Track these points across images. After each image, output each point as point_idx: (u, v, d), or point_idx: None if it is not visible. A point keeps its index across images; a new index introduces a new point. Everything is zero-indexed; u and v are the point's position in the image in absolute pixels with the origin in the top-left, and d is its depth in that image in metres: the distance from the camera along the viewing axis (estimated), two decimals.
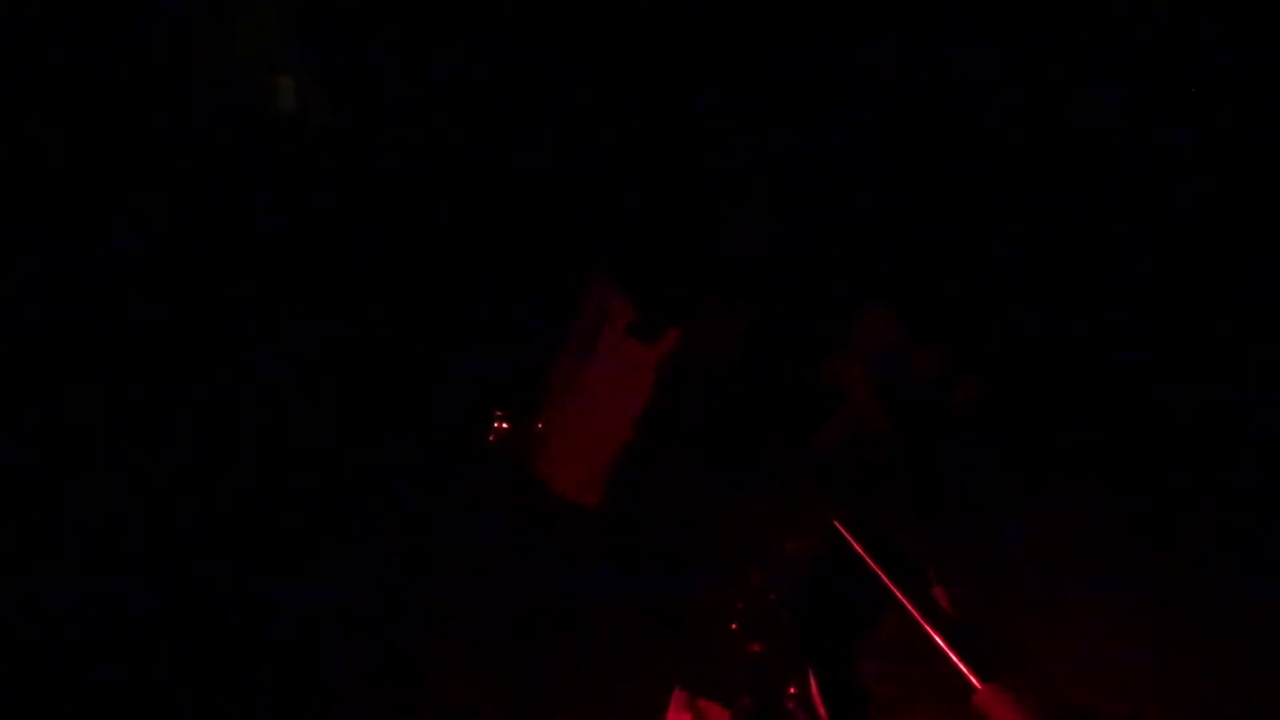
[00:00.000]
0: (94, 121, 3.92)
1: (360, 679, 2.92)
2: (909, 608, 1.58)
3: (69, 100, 3.82)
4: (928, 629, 1.56)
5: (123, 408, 3.54)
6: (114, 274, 3.78)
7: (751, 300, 1.85)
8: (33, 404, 3.42)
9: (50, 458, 3.33)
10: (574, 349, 1.89)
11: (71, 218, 3.86)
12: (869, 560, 1.65)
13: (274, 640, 2.91)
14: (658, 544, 2.04)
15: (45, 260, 3.75)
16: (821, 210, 2.02)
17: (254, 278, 4.00)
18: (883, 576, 1.62)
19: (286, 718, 2.69)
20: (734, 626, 1.83)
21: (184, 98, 4.16)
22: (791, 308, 1.86)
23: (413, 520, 3.31)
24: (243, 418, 3.68)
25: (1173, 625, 2.88)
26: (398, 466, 3.44)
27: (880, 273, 2.05)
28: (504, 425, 1.96)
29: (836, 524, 1.72)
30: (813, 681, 1.89)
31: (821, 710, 1.88)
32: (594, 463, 1.88)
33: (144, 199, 3.96)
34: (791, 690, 1.84)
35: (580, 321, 1.89)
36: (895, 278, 2.09)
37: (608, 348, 1.80)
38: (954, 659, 1.52)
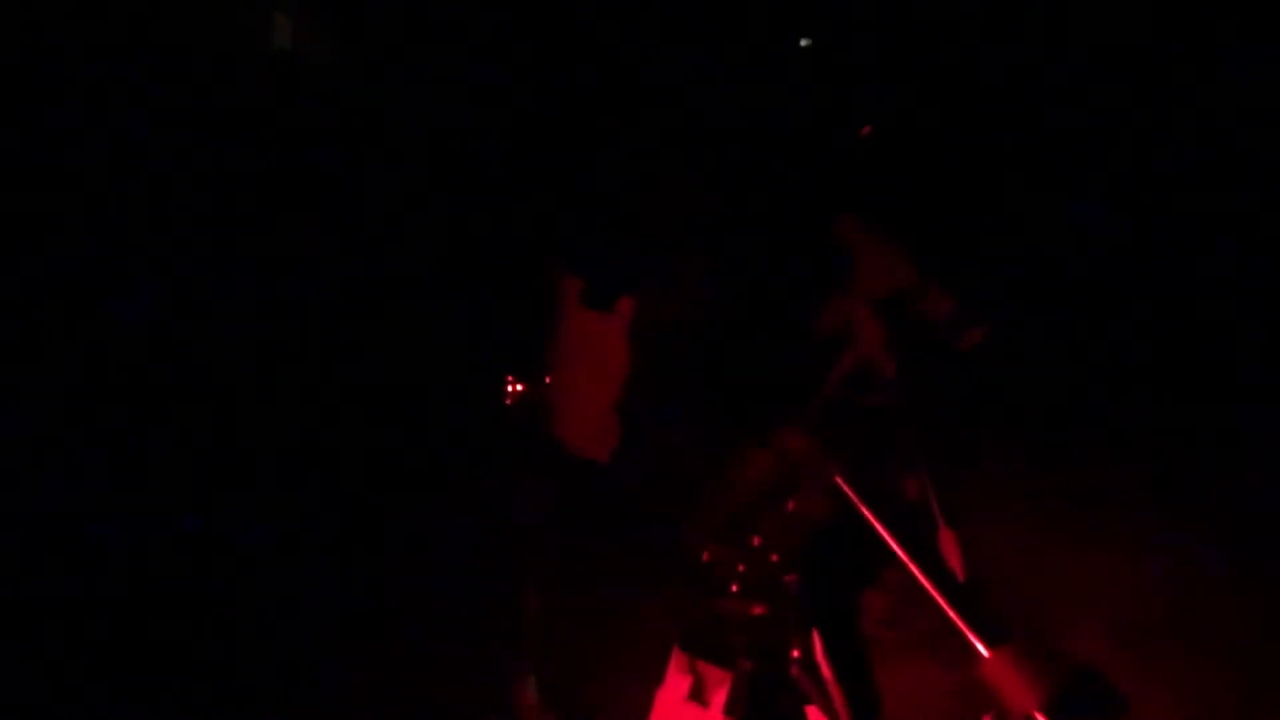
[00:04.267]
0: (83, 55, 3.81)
1: (366, 617, 2.92)
2: (915, 571, 1.52)
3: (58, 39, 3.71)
4: (933, 593, 1.50)
5: (109, 387, 3.48)
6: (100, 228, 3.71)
7: (707, 252, 1.75)
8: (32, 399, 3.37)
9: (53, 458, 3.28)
10: (557, 316, 1.82)
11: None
12: (873, 520, 1.59)
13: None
14: (660, 502, 1.98)
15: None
16: (789, 137, 1.88)
17: (246, 226, 3.91)
18: (888, 538, 1.55)
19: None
20: (734, 589, 1.77)
21: (174, 38, 4.04)
22: (763, 252, 1.75)
23: (423, 482, 3.28)
24: (244, 383, 3.62)
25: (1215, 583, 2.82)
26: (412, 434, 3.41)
27: (882, 205, 1.93)
28: (518, 387, 1.93)
29: (839, 480, 1.65)
30: (817, 642, 1.84)
31: (826, 671, 1.83)
32: (596, 422, 1.82)
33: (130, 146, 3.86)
34: (795, 654, 1.79)
35: (557, 291, 1.81)
36: (899, 208, 1.96)
37: (575, 319, 1.73)
38: (960, 625, 1.46)
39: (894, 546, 1.55)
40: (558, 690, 2.16)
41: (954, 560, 1.59)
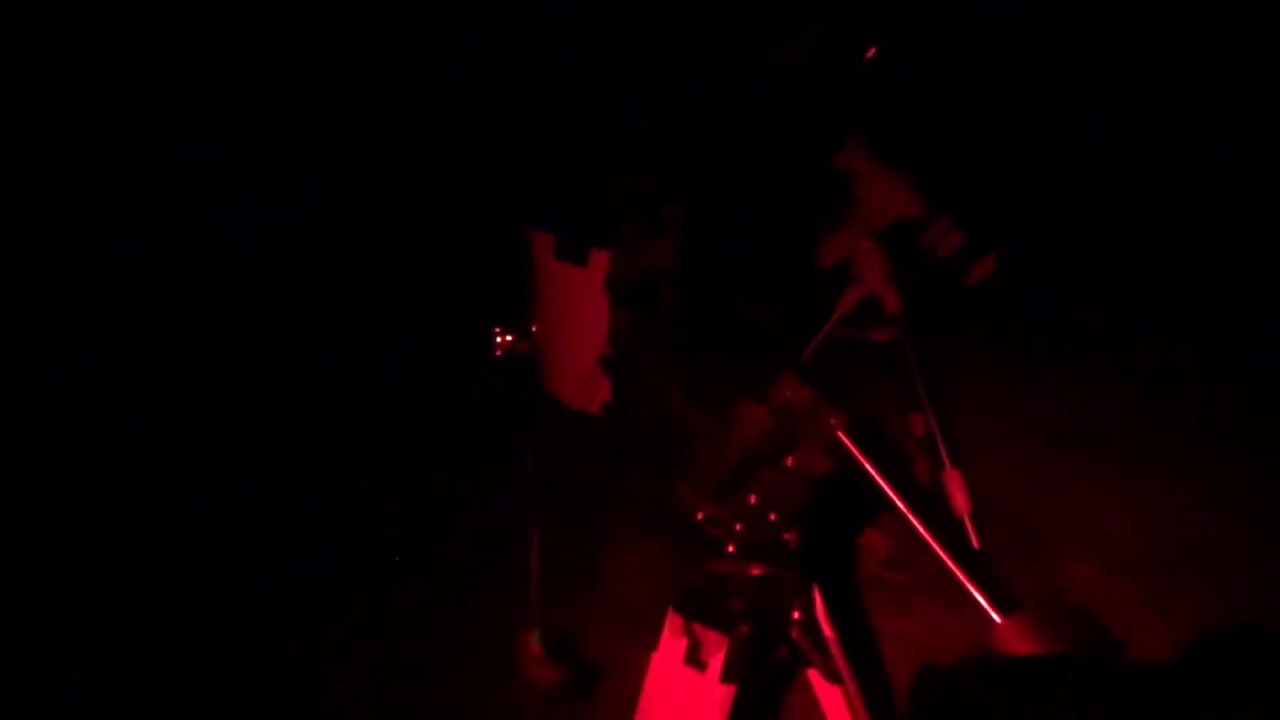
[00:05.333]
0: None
1: (364, 575, 2.87)
2: (924, 535, 1.42)
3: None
4: (943, 557, 1.40)
5: (104, 351, 3.40)
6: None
7: (681, 196, 1.61)
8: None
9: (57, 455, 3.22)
10: (539, 267, 1.71)
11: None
12: (878, 479, 1.48)
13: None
14: (654, 460, 1.88)
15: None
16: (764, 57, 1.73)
17: (241, 182, 3.80)
18: (894, 499, 1.45)
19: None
20: (731, 549, 1.68)
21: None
22: (759, 185, 1.62)
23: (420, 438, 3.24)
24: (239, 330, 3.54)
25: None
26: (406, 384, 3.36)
27: (887, 130, 1.79)
28: (507, 338, 1.83)
29: (840, 435, 1.54)
30: (818, 600, 1.76)
31: (827, 630, 1.75)
32: (586, 374, 1.72)
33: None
34: (795, 616, 1.70)
35: (535, 243, 1.70)
36: (904, 133, 1.83)
37: (556, 270, 1.62)
38: (972, 591, 1.37)
39: (901, 507, 1.45)
40: (562, 644, 2.09)
41: (959, 500, 1.49)
